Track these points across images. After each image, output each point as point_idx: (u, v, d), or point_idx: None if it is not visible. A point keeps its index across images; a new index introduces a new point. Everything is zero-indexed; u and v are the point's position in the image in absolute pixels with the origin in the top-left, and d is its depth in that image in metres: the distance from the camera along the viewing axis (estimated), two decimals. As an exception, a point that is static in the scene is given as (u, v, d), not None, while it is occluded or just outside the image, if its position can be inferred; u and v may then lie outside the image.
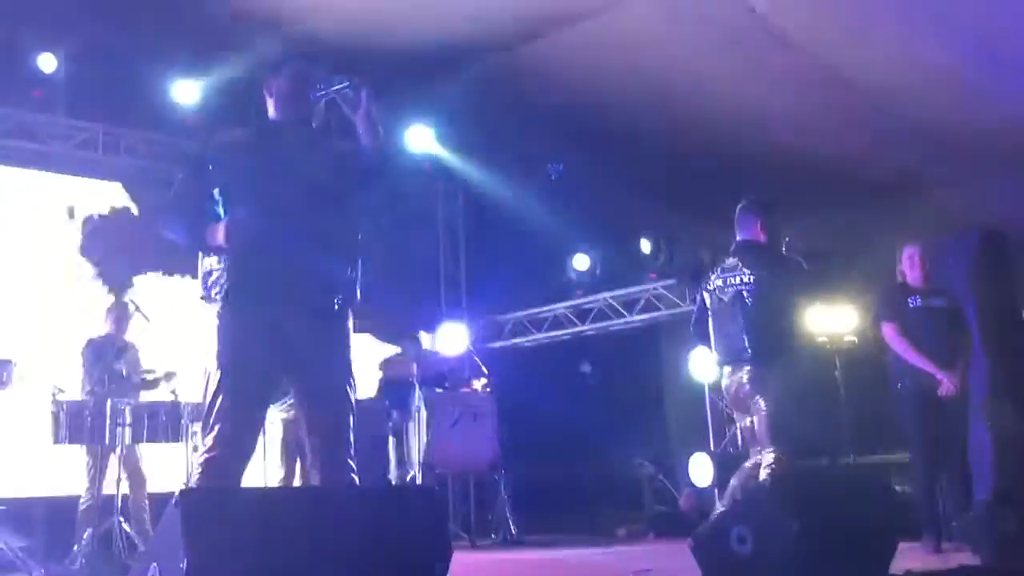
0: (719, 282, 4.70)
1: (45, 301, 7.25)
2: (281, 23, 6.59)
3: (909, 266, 5.58)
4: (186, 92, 7.46)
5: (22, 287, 7.23)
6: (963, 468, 5.39)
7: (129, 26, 6.75)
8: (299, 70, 3.30)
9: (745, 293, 4.60)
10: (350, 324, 3.32)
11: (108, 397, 5.84)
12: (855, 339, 7.59)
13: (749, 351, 4.53)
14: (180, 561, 2.24)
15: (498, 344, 9.26)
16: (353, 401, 3.26)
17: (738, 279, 4.65)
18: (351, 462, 3.20)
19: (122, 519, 5.80)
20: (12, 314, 7.04)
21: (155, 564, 2.42)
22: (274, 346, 3.13)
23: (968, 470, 5.46)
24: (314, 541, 2.44)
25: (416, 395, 7.38)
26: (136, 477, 6.13)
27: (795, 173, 7.65)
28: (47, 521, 6.57)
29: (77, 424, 5.82)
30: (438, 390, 7.60)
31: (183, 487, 3.39)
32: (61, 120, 7.46)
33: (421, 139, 8.63)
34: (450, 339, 8.61)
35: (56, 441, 5.78)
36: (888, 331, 5.48)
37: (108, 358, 6.18)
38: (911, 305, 5.47)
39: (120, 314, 6.48)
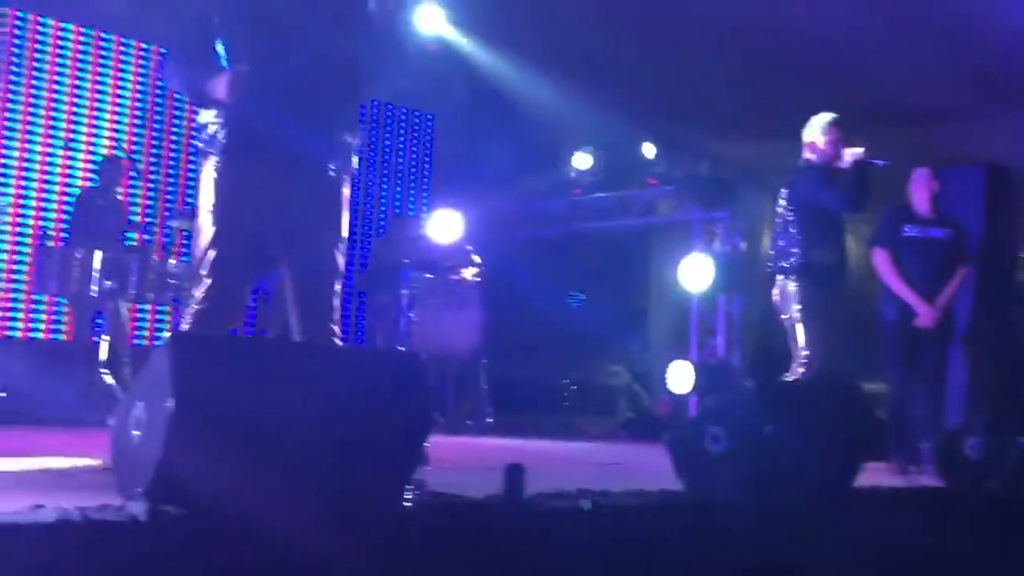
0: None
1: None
2: None
3: (916, 189, 5.53)
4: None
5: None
6: (936, 398, 5.47)
7: None
8: None
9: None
10: (345, 192, 3.29)
11: (96, 250, 5.83)
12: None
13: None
14: (166, 400, 2.26)
15: (491, 235, 9.23)
16: (341, 269, 3.27)
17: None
18: (334, 327, 3.22)
19: (104, 371, 5.85)
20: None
21: (141, 404, 2.44)
22: (267, 205, 3.11)
23: (942, 401, 5.55)
24: (300, 392, 2.45)
25: (404, 278, 7.39)
26: (119, 331, 6.16)
27: (822, 90, 7.43)
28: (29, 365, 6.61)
29: (63, 274, 5.83)
30: (427, 275, 7.60)
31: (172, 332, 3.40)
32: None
33: (431, 19, 8.41)
34: (443, 226, 8.57)
35: (37, 291, 5.78)
36: (879, 257, 5.48)
37: (98, 212, 6.14)
38: (906, 234, 5.45)
39: (113, 168, 6.41)
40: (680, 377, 8.15)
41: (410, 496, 2.70)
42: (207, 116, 3.14)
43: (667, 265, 8.89)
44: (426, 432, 2.69)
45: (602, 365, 9.71)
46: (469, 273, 7.78)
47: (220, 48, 3.10)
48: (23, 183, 7.26)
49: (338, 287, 3.30)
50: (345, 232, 3.32)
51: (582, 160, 8.99)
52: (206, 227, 3.10)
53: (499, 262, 8.24)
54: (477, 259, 7.83)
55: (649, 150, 9.03)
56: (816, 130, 4.99)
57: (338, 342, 3.28)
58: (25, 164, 7.28)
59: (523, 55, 8.08)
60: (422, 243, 8.05)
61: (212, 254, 3.08)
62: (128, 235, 6.56)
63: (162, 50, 7.34)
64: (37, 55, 7.35)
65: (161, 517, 2.21)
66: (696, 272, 8.27)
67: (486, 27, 8.32)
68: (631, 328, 9.84)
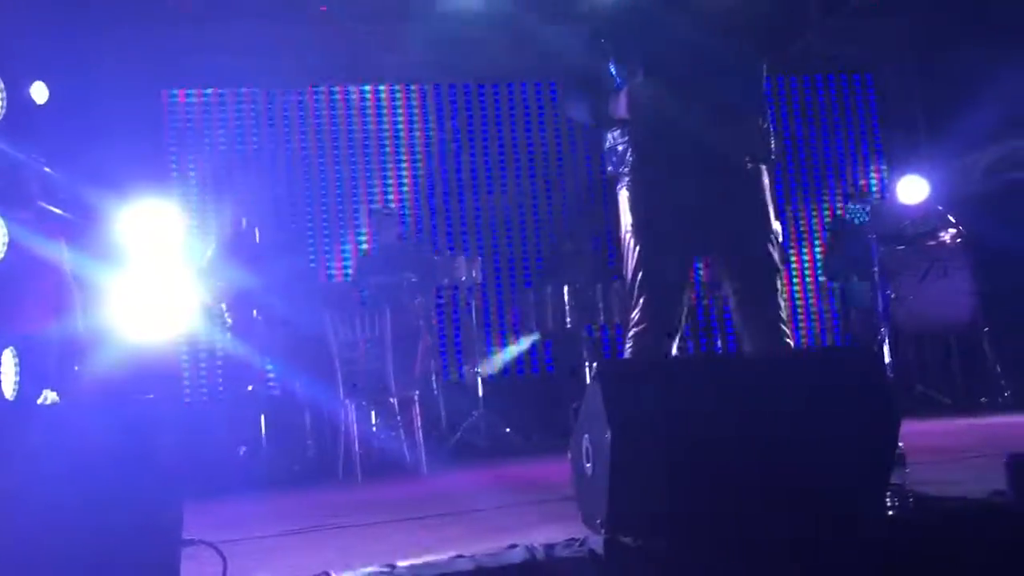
0: None
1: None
2: None
3: None
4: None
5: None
6: None
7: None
8: None
9: None
10: (766, 181, 3.09)
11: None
12: None
13: None
14: (604, 432, 2.26)
15: (966, 190, 8.21)
16: (777, 262, 3.06)
17: None
18: (783, 326, 3.01)
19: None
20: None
21: (586, 436, 2.47)
22: (688, 214, 3.03)
23: None
24: (740, 407, 2.31)
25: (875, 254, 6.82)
26: None
27: None
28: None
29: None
30: (899, 247, 6.95)
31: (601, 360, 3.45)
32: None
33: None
34: (909, 189, 7.79)
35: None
36: None
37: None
38: None
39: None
40: None
41: (891, 503, 2.41)
42: (613, 139, 3.15)
43: None
44: (893, 431, 2.38)
45: None
46: (948, 236, 6.96)
47: (612, 68, 3.10)
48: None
49: (780, 284, 3.10)
50: (776, 224, 3.13)
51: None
52: (631, 248, 3.10)
53: (983, 217, 7.25)
54: (952, 220, 6.98)
55: None
56: None
57: (789, 342, 3.07)
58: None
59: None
60: (889, 213, 7.39)
61: (641, 274, 3.06)
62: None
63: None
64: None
65: (619, 549, 2.19)
66: None
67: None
68: None
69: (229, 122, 7.26)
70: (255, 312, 5.72)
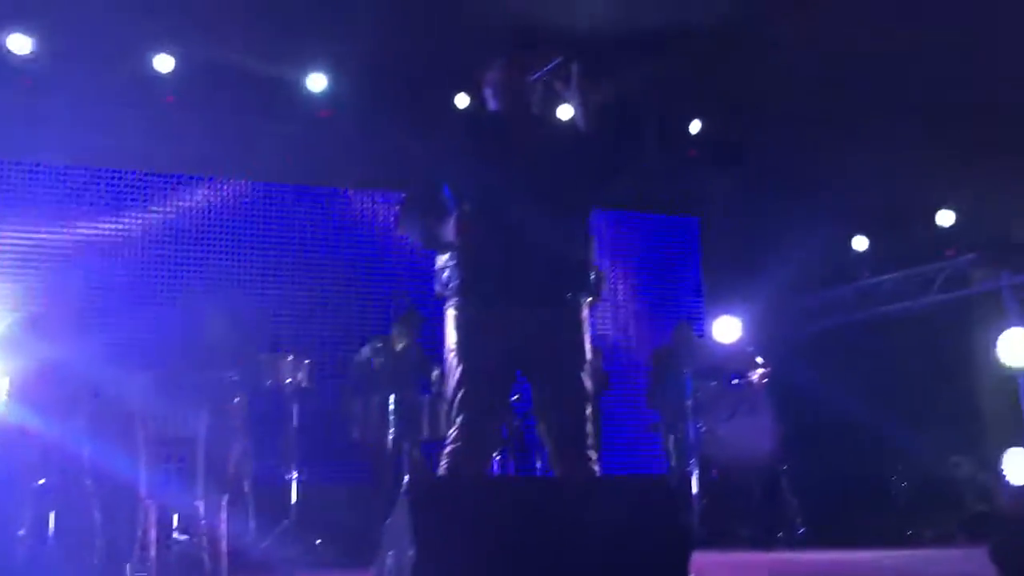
0: None
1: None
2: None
3: None
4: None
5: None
6: None
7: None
8: (511, 57, 3.29)
9: None
10: (584, 314, 3.25)
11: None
12: None
13: None
14: (408, 550, 2.28)
15: (776, 332, 8.82)
16: (590, 390, 3.20)
17: None
18: (590, 454, 3.13)
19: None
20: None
21: (391, 552, 2.48)
22: (508, 340, 3.14)
23: None
24: (544, 529, 2.39)
25: (687, 388, 7.19)
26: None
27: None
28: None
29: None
30: (712, 383, 7.35)
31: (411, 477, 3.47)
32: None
33: (691, 126, 8.39)
34: (723, 329, 8.30)
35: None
36: None
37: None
38: None
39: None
40: (1018, 466, 7.17)
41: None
42: (442, 260, 3.26)
43: (982, 341, 7.98)
44: (684, 560, 2.50)
45: (939, 456, 8.73)
46: (755, 376, 7.42)
47: (447, 192, 3.22)
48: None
49: (589, 411, 3.23)
50: (589, 355, 3.28)
51: (861, 243, 8.44)
52: (452, 367, 3.18)
53: (789, 360, 7.80)
54: (760, 360, 7.46)
55: (946, 217, 8.32)
56: None
57: (595, 468, 3.19)
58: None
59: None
60: (704, 350, 7.83)
61: (461, 393, 3.13)
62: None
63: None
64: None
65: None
66: (1017, 346, 7.36)
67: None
68: (954, 415, 8.83)
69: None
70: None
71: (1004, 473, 7.34)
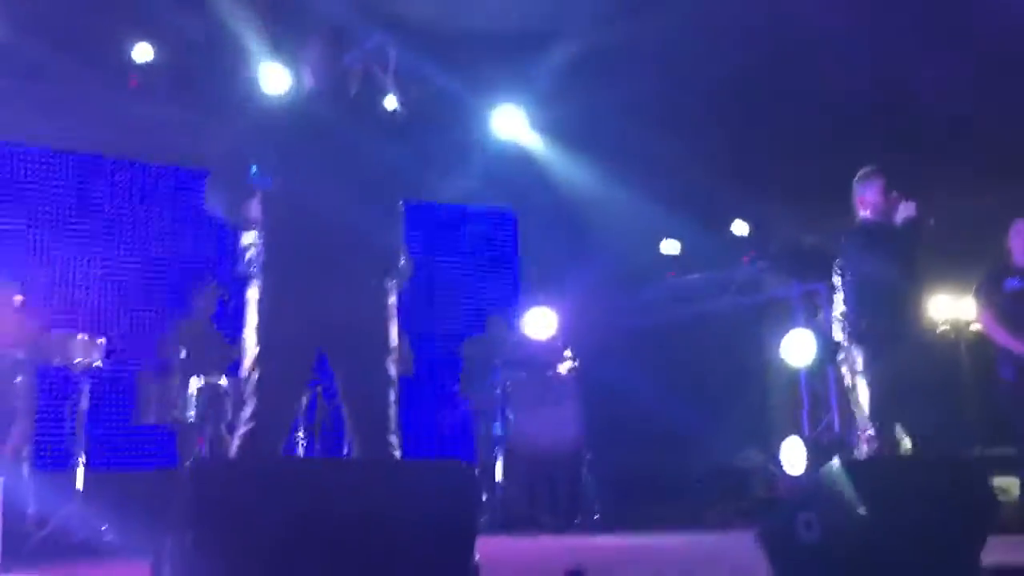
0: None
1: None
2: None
3: (1017, 241, 5.19)
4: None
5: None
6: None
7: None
8: (328, 35, 3.24)
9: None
10: (391, 297, 3.25)
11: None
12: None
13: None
14: (188, 532, 2.21)
15: (586, 329, 9.11)
16: (393, 376, 3.21)
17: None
18: (391, 438, 3.14)
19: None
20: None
21: (172, 536, 2.40)
22: (310, 320, 3.09)
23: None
24: (329, 510, 2.36)
25: (498, 378, 7.33)
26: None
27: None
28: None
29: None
30: (521, 373, 7.51)
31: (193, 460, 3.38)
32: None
33: (509, 121, 8.48)
34: (538, 323, 8.49)
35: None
36: (983, 319, 5.14)
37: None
38: (1007, 289, 5.09)
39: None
40: (794, 455, 7.73)
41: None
42: (247, 239, 3.18)
43: (773, 342, 8.55)
44: (470, 543, 2.55)
45: (733, 447, 9.26)
46: (564, 368, 7.64)
47: (252, 170, 3.14)
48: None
49: (393, 397, 3.23)
50: (394, 342, 3.27)
51: (671, 247, 8.85)
52: (250, 347, 3.11)
53: (597, 355, 8.07)
54: (569, 354, 7.69)
55: (740, 227, 8.82)
56: (861, 184, 4.70)
57: (396, 453, 3.20)
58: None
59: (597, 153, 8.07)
60: (516, 341, 7.98)
61: (256, 374, 3.07)
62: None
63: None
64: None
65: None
66: (799, 346, 7.93)
67: (562, 127, 8.34)
68: (748, 409, 9.42)
69: None
70: None
71: (781, 462, 7.88)
